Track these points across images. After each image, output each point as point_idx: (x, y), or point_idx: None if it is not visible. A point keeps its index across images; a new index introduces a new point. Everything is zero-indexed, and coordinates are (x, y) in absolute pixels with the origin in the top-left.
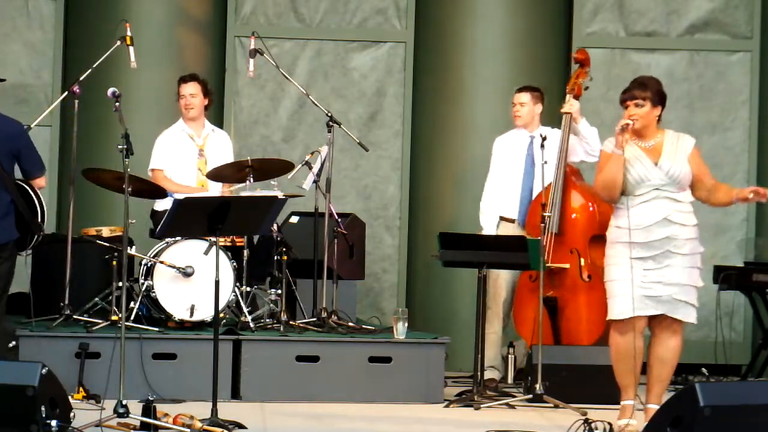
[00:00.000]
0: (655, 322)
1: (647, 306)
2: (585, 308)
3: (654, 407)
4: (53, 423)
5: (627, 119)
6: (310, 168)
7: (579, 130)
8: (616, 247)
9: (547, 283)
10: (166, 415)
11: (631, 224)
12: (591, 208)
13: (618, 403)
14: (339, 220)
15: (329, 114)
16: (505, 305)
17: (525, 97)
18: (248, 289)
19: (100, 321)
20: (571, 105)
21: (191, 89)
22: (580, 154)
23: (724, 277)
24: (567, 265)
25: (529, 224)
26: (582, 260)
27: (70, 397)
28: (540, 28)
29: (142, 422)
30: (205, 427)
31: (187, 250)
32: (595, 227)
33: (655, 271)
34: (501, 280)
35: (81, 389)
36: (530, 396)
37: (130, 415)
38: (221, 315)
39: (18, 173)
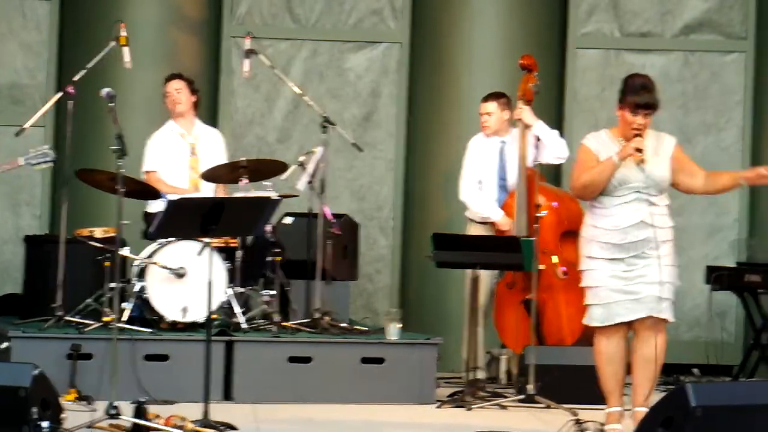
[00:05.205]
0: (638, 322)
1: (630, 311)
2: (564, 307)
3: (642, 410)
4: (45, 424)
5: (640, 140)
6: (305, 168)
7: (533, 145)
8: (591, 246)
9: (525, 286)
10: (157, 416)
11: (608, 225)
12: (557, 208)
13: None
14: (333, 220)
15: (324, 115)
16: (484, 309)
17: (491, 106)
18: (241, 290)
19: (92, 322)
20: (520, 111)
21: (176, 85)
22: (547, 157)
23: (716, 277)
24: (542, 266)
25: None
26: (555, 258)
27: (61, 399)
28: (535, 28)
29: (133, 424)
30: (197, 428)
31: (180, 252)
32: (563, 225)
33: (632, 271)
34: (482, 284)
35: (73, 390)
36: (522, 396)
37: (122, 417)
38: (214, 316)
39: None
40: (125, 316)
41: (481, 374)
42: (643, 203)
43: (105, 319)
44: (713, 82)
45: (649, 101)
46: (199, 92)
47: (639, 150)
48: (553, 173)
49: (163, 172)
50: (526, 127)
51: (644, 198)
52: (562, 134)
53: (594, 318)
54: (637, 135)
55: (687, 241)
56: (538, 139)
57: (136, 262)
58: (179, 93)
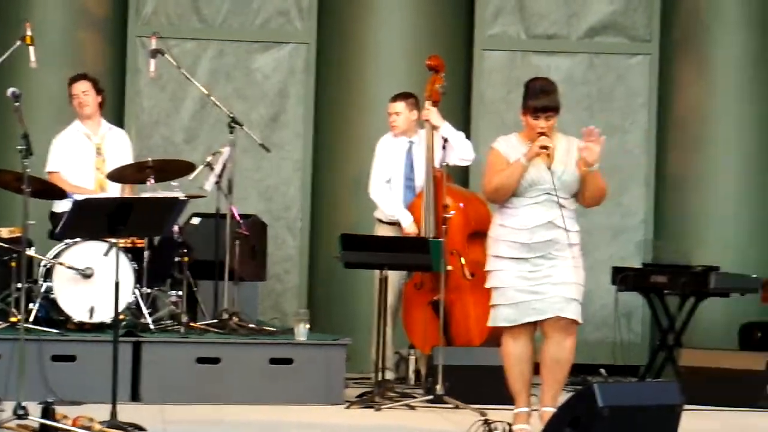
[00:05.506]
0: (547, 324)
1: (536, 311)
2: (472, 307)
3: (550, 410)
4: None
5: (545, 139)
6: (212, 169)
7: (440, 147)
8: (499, 245)
9: (433, 287)
10: (65, 417)
11: (516, 224)
12: (464, 209)
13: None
14: (240, 221)
15: (231, 115)
16: (392, 309)
17: (400, 106)
18: (148, 290)
19: None
20: (428, 112)
21: (83, 87)
22: (453, 158)
23: (622, 278)
24: (450, 267)
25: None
26: (463, 260)
27: None
28: (442, 30)
29: (41, 424)
30: (105, 429)
31: (87, 252)
32: (471, 226)
33: (538, 272)
34: (390, 284)
35: None
36: (431, 397)
37: (30, 417)
38: (121, 317)
39: None
40: (32, 317)
41: (389, 375)
42: (554, 204)
43: (12, 319)
44: (618, 84)
45: (548, 104)
46: (104, 92)
47: (545, 147)
48: (461, 175)
49: (69, 172)
50: (434, 128)
51: (554, 200)
52: (468, 136)
53: (500, 319)
54: (542, 135)
55: (593, 242)
56: (446, 141)
57: (42, 263)
58: (86, 95)
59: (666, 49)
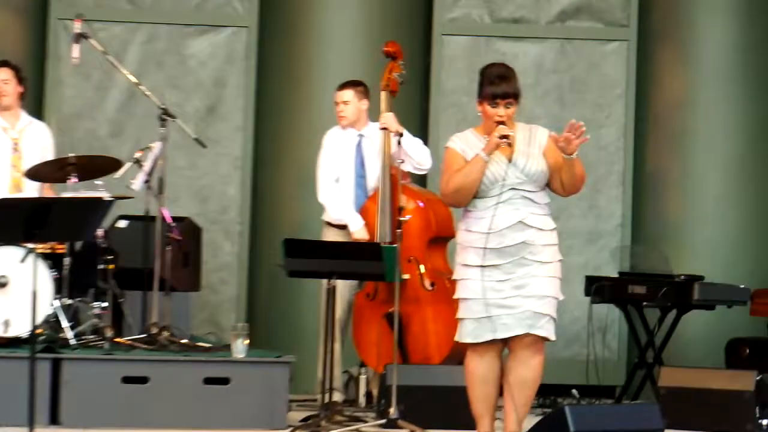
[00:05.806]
0: (514, 340)
1: (505, 327)
2: (431, 321)
3: None
4: None
5: (505, 128)
6: (141, 166)
7: (395, 144)
8: (466, 252)
9: (387, 298)
10: None
11: (483, 228)
12: (424, 211)
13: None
14: (172, 224)
15: (163, 106)
16: (341, 323)
17: (348, 94)
18: (69, 301)
19: None
20: (385, 119)
21: (3, 75)
22: (407, 165)
23: (596, 288)
24: (407, 276)
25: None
26: (422, 268)
27: None
28: (397, 13)
29: None
30: None
31: (1, 258)
32: (431, 230)
33: (510, 281)
34: (338, 295)
35: None
36: (383, 421)
37: None
38: (39, 330)
39: None
40: None
41: (337, 396)
42: (521, 201)
43: None
44: (592, 73)
45: (507, 90)
46: (26, 81)
47: (505, 137)
48: (419, 178)
49: None
50: (385, 129)
51: (521, 195)
52: (426, 131)
53: (465, 334)
54: (500, 124)
55: (565, 248)
56: (401, 135)
57: None
58: (6, 84)
59: (645, 35)
